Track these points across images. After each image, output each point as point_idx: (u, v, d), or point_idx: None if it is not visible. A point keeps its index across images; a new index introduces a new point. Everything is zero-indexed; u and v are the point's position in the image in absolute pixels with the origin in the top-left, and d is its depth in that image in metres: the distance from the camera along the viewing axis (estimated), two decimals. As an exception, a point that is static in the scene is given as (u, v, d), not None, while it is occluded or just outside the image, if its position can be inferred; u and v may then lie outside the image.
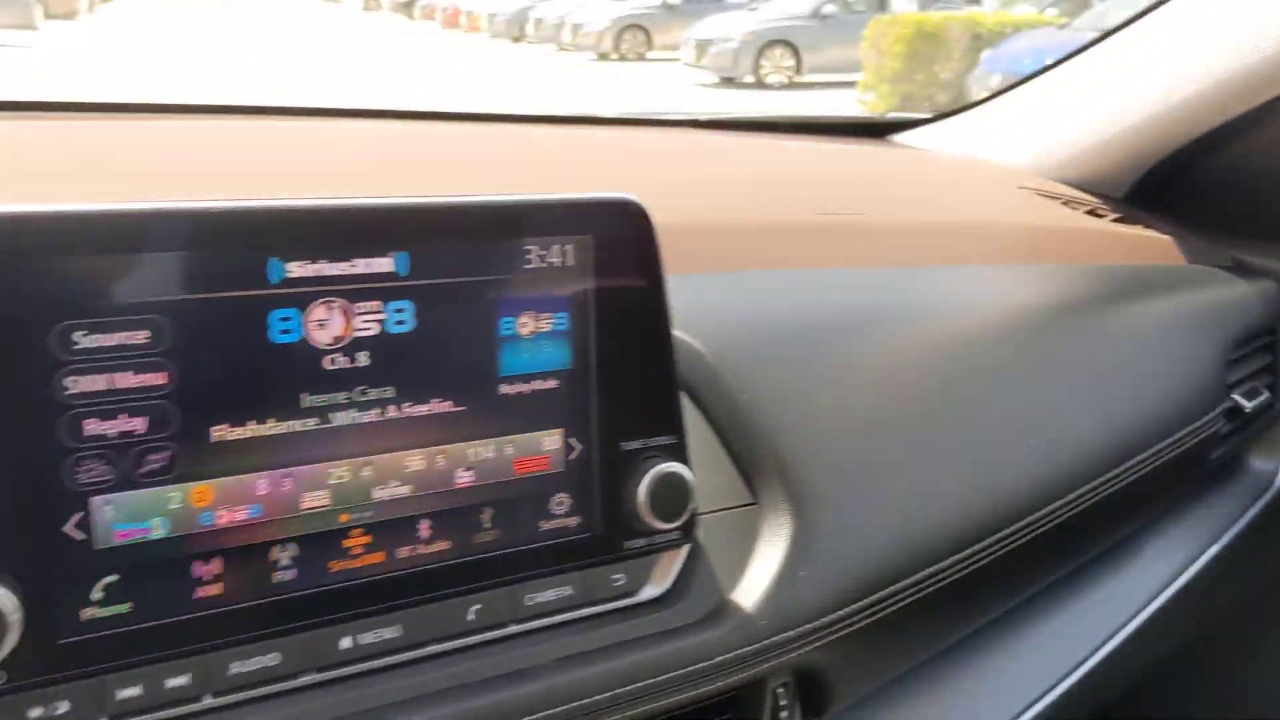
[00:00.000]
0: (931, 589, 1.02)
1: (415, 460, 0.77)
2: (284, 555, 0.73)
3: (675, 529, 0.86)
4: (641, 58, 21.37)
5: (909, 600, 1.00)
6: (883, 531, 1.00)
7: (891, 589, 0.98)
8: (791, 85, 17.54)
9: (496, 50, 23.54)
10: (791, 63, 17.70)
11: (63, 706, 0.65)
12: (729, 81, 17.75)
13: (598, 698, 0.80)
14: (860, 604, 0.95)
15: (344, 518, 0.75)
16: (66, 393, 0.65)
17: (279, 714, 0.71)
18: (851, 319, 1.19)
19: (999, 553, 1.10)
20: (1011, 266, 1.47)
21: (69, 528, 0.65)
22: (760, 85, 17.51)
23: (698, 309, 1.01)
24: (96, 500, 0.66)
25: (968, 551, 1.06)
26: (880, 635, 1.00)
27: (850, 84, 15.05)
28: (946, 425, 1.14)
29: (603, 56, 21.56)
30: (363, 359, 0.75)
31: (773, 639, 0.89)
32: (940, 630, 1.16)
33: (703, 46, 17.98)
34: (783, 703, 0.95)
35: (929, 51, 13.75)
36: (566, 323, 0.82)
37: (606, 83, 17.52)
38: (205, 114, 1.49)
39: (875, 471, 1.04)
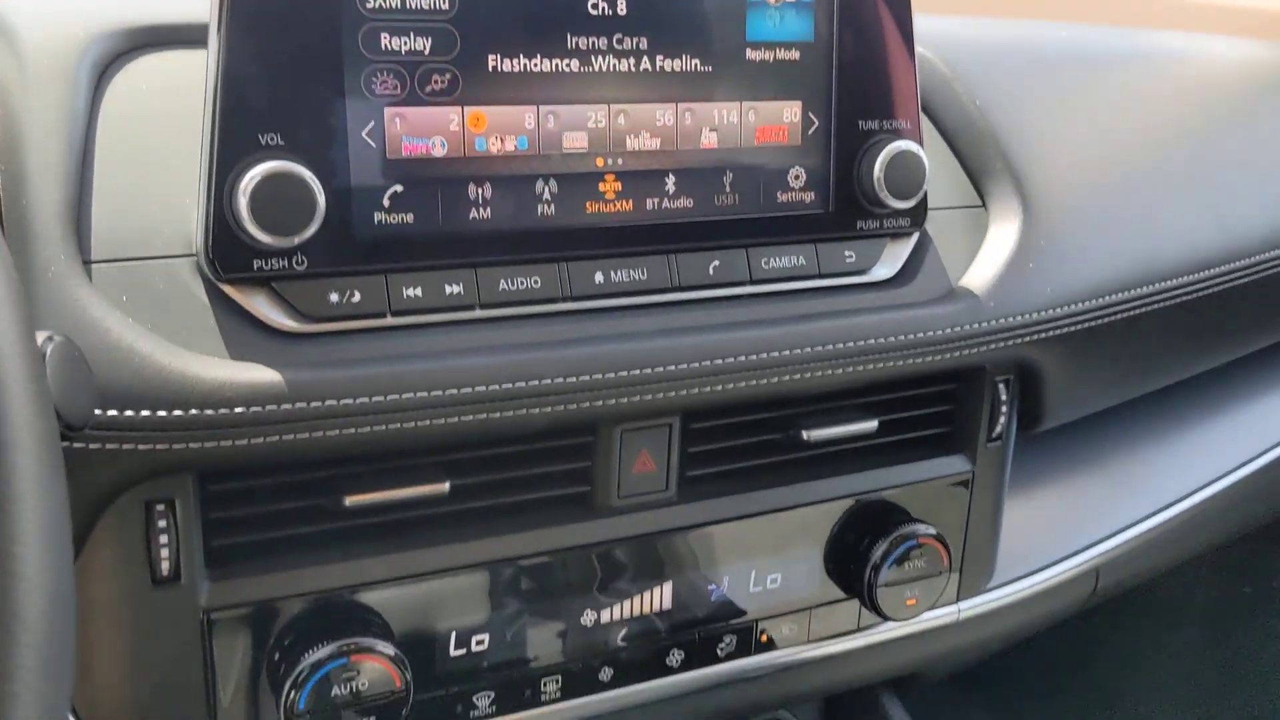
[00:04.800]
0: (1154, 307, 1.01)
1: (665, 114, 0.81)
2: (546, 190, 0.78)
3: (908, 210, 0.88)
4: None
5: (1131, 312, 1.00)
6: (1110, 241, 1.00)
7: (1115, 297, 0.98)
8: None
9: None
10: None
11: (356, 295, 0.72)
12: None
13: (830, 347, 0.83)
14: (1085, 305, 0.95)
15: (599, 162, 0.80)
16: (367, 6, 0.70)
17: (539, 331, 0.77)
18: (1091, 53, 1.16)
19: (1225, 285, 1.08)
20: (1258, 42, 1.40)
21: (364, 134, 0.72)
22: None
23: (932, 31, 1.01)
24: (389, 111, 0.72)
25: (1193, 276, 1.05)
26: (1099, 350, 1.01)
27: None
28: (1178, 160, 1.11)
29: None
30: (622, 6, 0.78)
31: (999, 320, 0.90)
32: (1152, 368, 1.16)
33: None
34: (1003, 398, 0.98)
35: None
36: (813, -7, 0.83)
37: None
38: None
39: (1105, 186, 1.03)
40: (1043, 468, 1.18)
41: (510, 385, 0.74)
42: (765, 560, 0.92)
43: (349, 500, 0.75)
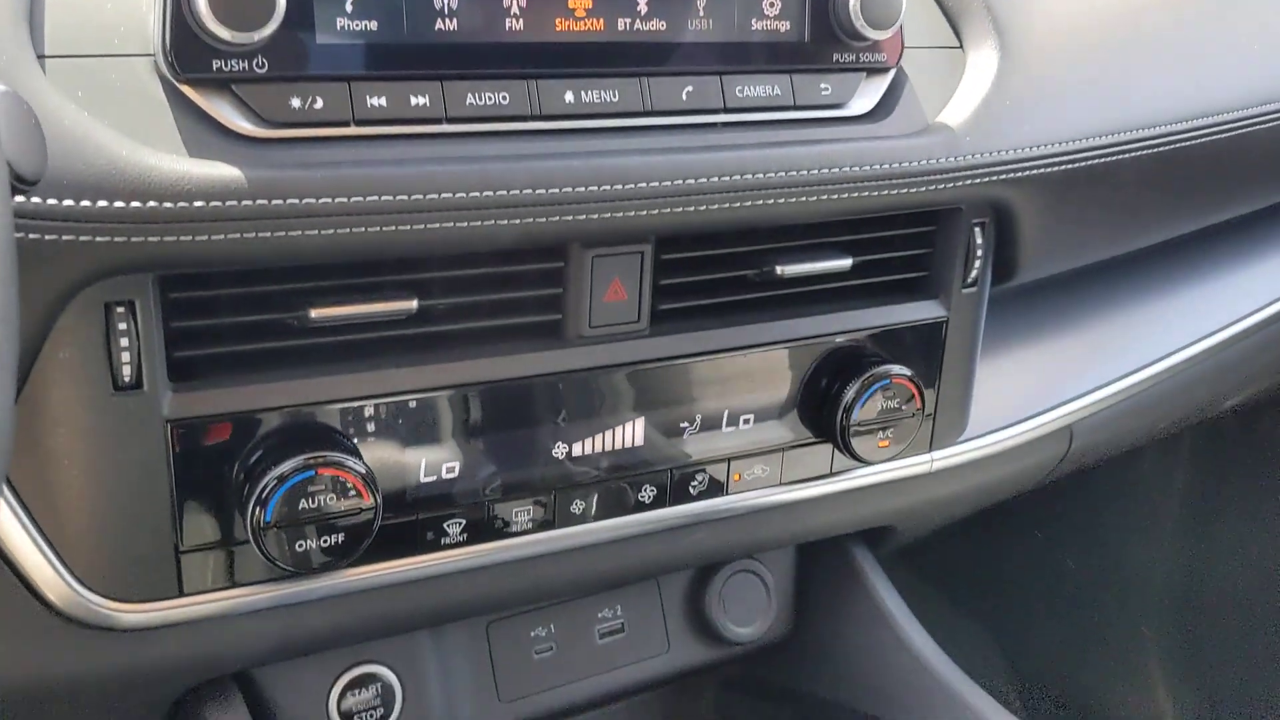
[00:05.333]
0: (1130, 157, 1.00)
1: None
2: (514, 3, 0.76)
3: (884, 41, 0.87)
4: None
5: (1107, 159, 0.99)
6: (1087, 88, 0.98)
7: (1091, 142, 0.97)
8: None
9: None
10: None
11: (318, 102, 0.71)
12: None
13: (804, 173, 0.82)
14: (1061, 147, 0.94)
15: (569, -22, 0.78)
16: None
17: (508, 147, 0.76)
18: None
19: (1201, 139, 1.07)
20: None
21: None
22: None
23: None
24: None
25: (1170, 128, 1.04)
26: (1075, 198, 1.00)
27: None
28: (1157, 15, 1.10)
29: None
30: None
31: (975, 156, 0.89)
32: (1130, 224, 1.15)
33: None
34: (978, 241, 0.97)
35: None
36: None
37: None
38: None
39: (1084, 36, 1.01)
40: (1020, 327, 1.18)
41: (478, 194, 0.72)
42: (738, 400, 0.92)
43: (315, 314, 0.74)
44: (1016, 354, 1.16)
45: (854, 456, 0.95)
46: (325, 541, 0.75)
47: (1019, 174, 0.93)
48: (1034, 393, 1.15)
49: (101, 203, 0.63)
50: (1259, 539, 1.87)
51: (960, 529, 2.02)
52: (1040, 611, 1.96)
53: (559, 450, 0.86)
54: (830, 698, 1.11)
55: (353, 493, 0.75)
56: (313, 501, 0.74)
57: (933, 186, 0.89)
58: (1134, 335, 1.23)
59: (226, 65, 0.68)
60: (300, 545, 0.74)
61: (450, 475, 0.83)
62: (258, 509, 0.73)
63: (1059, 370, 1.17)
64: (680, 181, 0.79)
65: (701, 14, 0.82)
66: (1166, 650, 1.95)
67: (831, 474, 0.99)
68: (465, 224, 0.73)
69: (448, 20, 0.74)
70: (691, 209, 0.80)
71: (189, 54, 0.67)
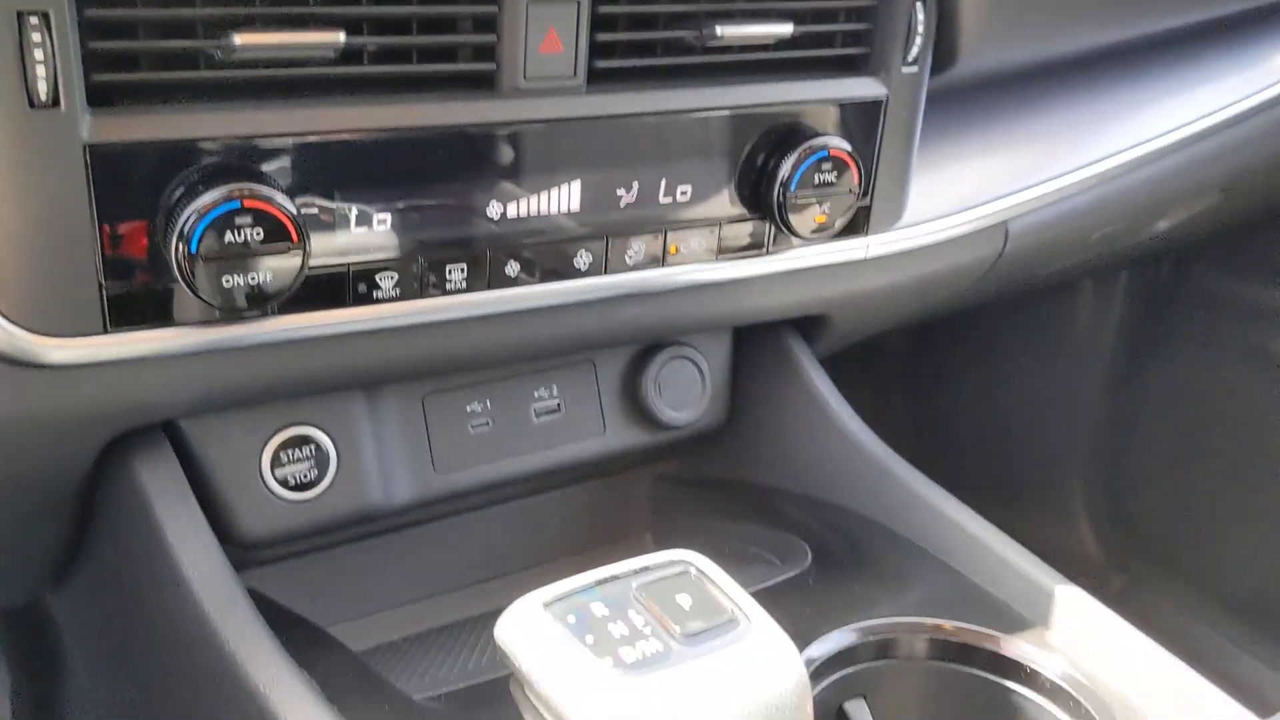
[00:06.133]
0: None
1: None
2: None
3: None
4: None
5: None
6: None
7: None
8: None
9: None
10: None
11: None
12: None
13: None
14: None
15: None
16: None
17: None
18: None
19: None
20: None
21: None
22: None
23: None
24: None
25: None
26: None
27: None
28: None
29: None
30: None
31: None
32: (1072, 17, 1.15)
33: None
34: (919, 17, 0.96)
35: None
36: None
37: None
38: None
39: None
40: (960, 127, 1.17)
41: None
42: (675, 168, 0.91)
43: (239, 40, 0.71)
44: (955, 152, 1.16)
45: (790, 231, 0.95)
46: (252, 279, 0.74)
47: (962, -57, 0.92)
48: (971, 189, 1.15)
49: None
50: (1185, 380, 1.92)
51: (896, 355, 2.07)
52: (969, 437, 2.02)
53: (493, 209, 0.85)
54: (766, 483, 1.13)
55: (280, 231, 0.74)
56: (239, 235, 0.73)
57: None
58: (1073, 139, 1.24)
59: None
60: (227, 281, 0.73)
61: (382, 227, 0.82)
62: (182, 242, 0.72)
63: (997, 168, 1.18)
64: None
65: None
66: (1090, 480, 2.01)
67: (767, 252, 0.99)
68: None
69: None
70: (629, -50, 0.79)
71: None
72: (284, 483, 0.92)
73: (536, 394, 1.04)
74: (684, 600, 0.66)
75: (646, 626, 0.64)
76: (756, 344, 1.14)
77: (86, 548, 0.99)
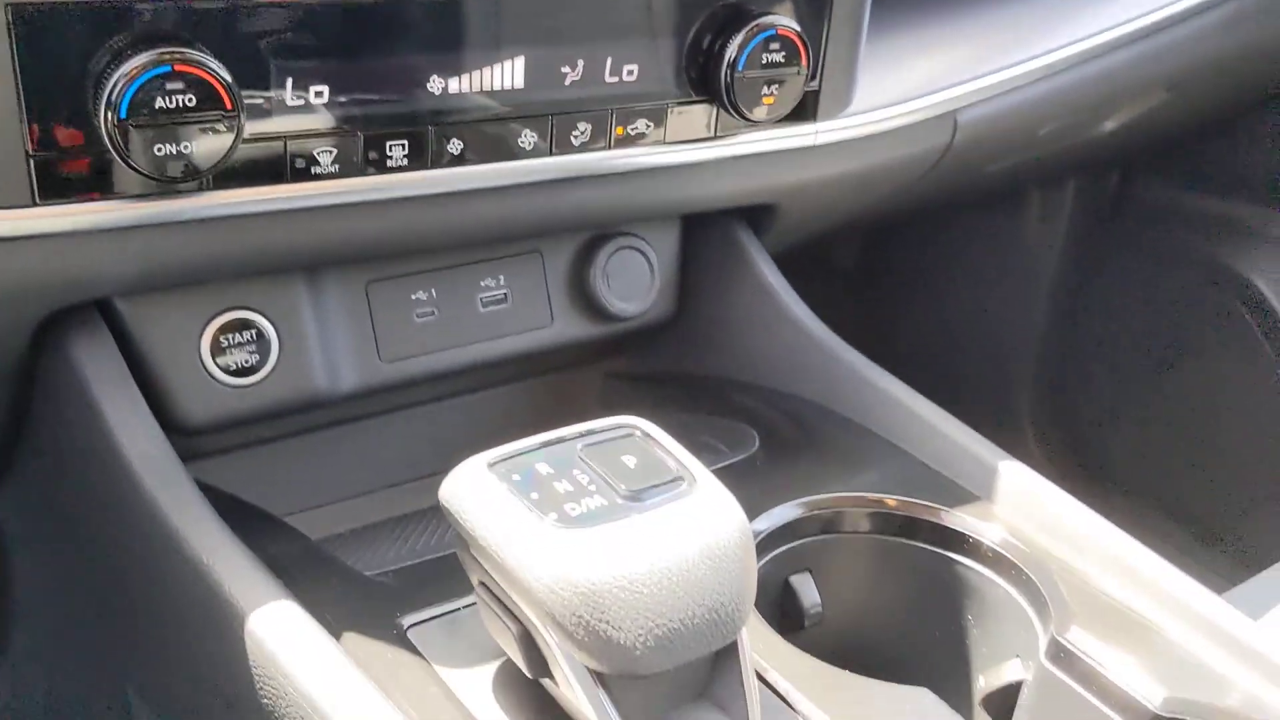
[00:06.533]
0: None
1: None
2: None
3: None
4: None
5: None
6: None
7: None
8: None
9: None
10: None
11: None
12: None
13: None
14: None
15: None
16: None
17: None
18: None
19: None
20: None
21: None
22: None
23: None
24: None
25: None
26: None
27: None
28: None
29: None
30: None
31: None
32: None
33: None
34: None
35: None
36: None
37: None
38: None
39: None
40: (911, 19, 1.17)
41: None
42: (622, 47, 0.90)
43: (165, -103, 0.69)
44: (905, 44, 1.16)
45: (738, 114, 0.94)
46: (185, 148, 0.72)
47: None
48: (920, 79, 1.15)
49: None
50: (1131, 291, 1.94)
51: (845, 271, 2.07)
52: (917, 349, 2.03)
53: (434, 84, 0.84)
54: (716, 374, 1.13)
55: (213, 97, 0.72)
56: (170, 101, 0.71)
57: None
58: (1022, 32, 1.23)
59: None
60: (159, 150, 0.71)
61: (319, 99, 0.80)
62: (110, 109, 0.70)
63: (946, 60, 1.17)
64: None
65: None
66: (1036, 390, 2.04)
67: (715, 136, 0.98)
68: None
69: None
70: None
71: None
72: (226, 368, 0.90)
73: (483, 284, 1.03)
74: (629, 460, 0.66)
75: (591, 485, 0.64)
76: (705, 236, 1.13)
77: (26, 439, 0.98)
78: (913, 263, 2.05)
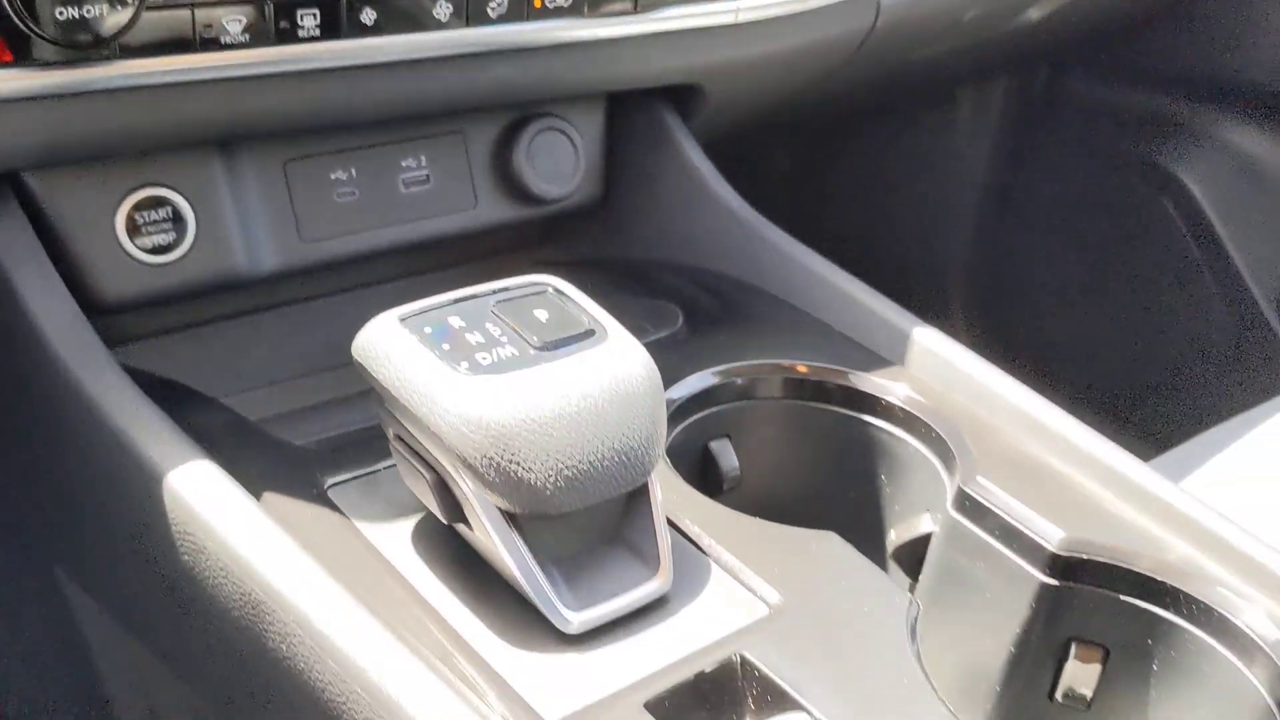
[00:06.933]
0: None
1: None
2: None
3: None
4: None
5: None
6: None
7: None
8: None
9: None
10: None
11: None
12: None
13: None
14: None
15: None
16: None
17: None
18: None
19: None
20: None
21: None
22: None
23: None
24: None
25: None
26: None
27: None
28: None
29: None
30: None
31: None
32: None
33: None
34: None
35: None
36: None
37: None
38: None
39: None
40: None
41: None
42: (536, -85, 0.89)
43: None
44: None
45: (658, -17, 0.94)
46: (89, 12, 0.71)
47: None
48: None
49: None
50: (1061, 186, 1.97)
51: (779, 174, 2.08)
52: (851, 248, 2.05)
53: (345, -48, 0.83)
54: (642, 257, 1.14)
55: (115, -45, 0.71)
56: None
57: None
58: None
59: None
60: (61, 13, 0.70)
61: (227, -36, 0.79)
62: None
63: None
64: None
65: None
66: (968, 286, 2.07)
67: (636, 9, 0.98)
68: None
69: None
70: None
71: None
72: (143, 246, 0.90)
73: (404, 164, 1.03)
74: (541, 314, 0.67)
75: (503, 336, 0.65)
76: (631, 119, 1.13)
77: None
78: (848, 163, 2.06)
